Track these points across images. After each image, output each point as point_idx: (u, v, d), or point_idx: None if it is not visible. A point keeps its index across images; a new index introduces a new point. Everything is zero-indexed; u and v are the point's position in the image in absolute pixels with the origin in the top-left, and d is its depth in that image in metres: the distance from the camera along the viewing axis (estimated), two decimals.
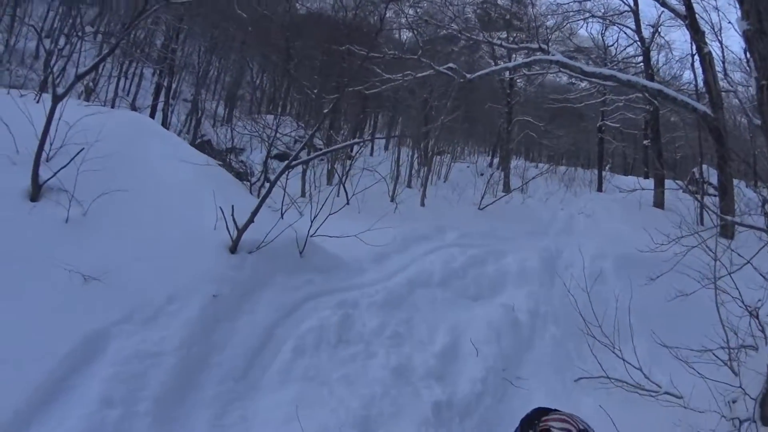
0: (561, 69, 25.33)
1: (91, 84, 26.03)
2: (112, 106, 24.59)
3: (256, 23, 33.78)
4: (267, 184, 14.89)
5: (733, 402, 7.53)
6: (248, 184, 16.71)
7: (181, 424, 7.22)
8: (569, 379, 10.35)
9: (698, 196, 20.95)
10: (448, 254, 13.29)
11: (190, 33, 34.86)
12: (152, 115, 29.08)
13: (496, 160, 39.80)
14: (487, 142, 48.10)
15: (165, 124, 28.75)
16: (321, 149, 11.89)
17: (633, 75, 28.68)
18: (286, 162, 11.30)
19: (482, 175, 29.10)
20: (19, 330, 7.46)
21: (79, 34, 26.11)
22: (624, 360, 9.83)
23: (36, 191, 9.48)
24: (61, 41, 28.34)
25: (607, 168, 40.13)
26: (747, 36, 6.62)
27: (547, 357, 10.89)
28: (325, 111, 12.78)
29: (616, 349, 10.13)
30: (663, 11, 27.51)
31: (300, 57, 35.19)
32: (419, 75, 21.07)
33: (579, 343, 11.04)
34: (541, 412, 3.55)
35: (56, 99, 9.59)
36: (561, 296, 12.64)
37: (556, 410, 3.53)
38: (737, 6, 6.89)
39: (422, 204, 18.63)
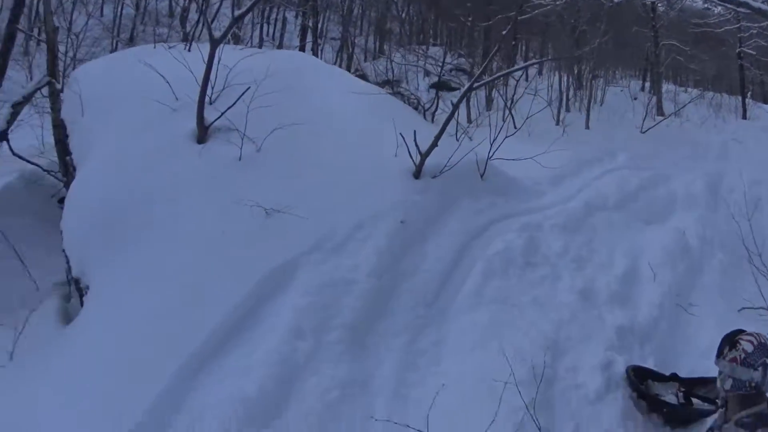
0: None
1: (237, 31, 26.21)
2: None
3: None
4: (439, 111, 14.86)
5: None
6: (421, 110, 16.58)
7: (372, 352, 7.39)
8: (734, 308, 10.09)
9: None
10: (621, 177, 13.23)
11: None
12: None
13: (647, 84, 38.88)
14: (636, 67, 47.02)
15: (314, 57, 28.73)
16: (477, 76, 11.61)
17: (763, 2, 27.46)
18: (468, 84, 11.22)
19: (636, 99, 28.45)
20: (206, 265, 7.71)
21: None
22: None
23: (203, 133, 9.61)
24: None
25: (748, 95, 38.68)
26: None
27: (715, 284, 10.71)
28: (504, 32, 12.45)
29: None
30: None
31: None
32: None
33: (742, 272, 10.84)
34: (737, 332, 3.96)
35: (215, 42, 9.71)
36: (725, 221, 12.53)
37: (749, 332, 3.93)
38: None
39: (587, 127, 18.27)
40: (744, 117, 30.85)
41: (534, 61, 24.91)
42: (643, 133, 19.21)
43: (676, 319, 9.34)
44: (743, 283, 10.61)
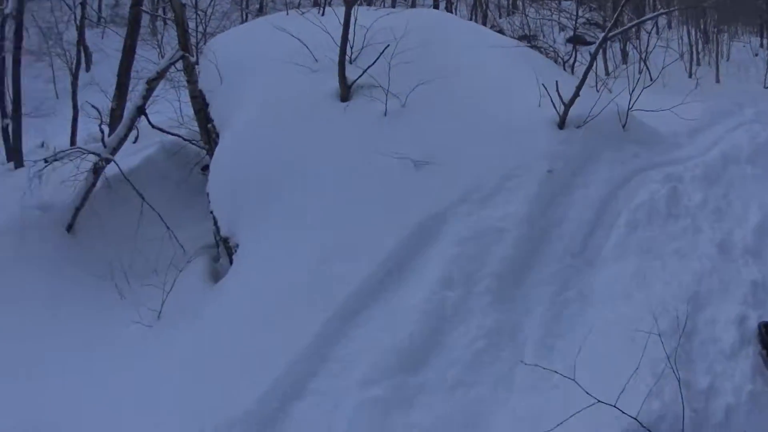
0: None
1: None
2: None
3: None
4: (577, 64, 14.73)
5: None
6: (560, 62, 16.49)
7: (520, 302, 7.53)
8: None
9: None
10: (752, 130, 12.70)
11: None
12: None
13: (765, 41, 37.91)
14: (754, 23, 45.84)
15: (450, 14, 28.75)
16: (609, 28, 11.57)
17: None
18: (603, 35, 11.09)
19: (757, 55, 27.85)
20: (354, 218, 7.91)
21: None
22: None
23: (345, 91, 9.74)
24: None
25: None
26: None
27: None
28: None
29: None
30: None
31: None
32: None
33: None
34: None
35: (350, 3, 9.72)
36: None
37: None
38: None
39: (717, 80, 17.93)
40: None
41: (661, 12, 24.37)
42: (766, 88, 18.81)
43: None
44: None
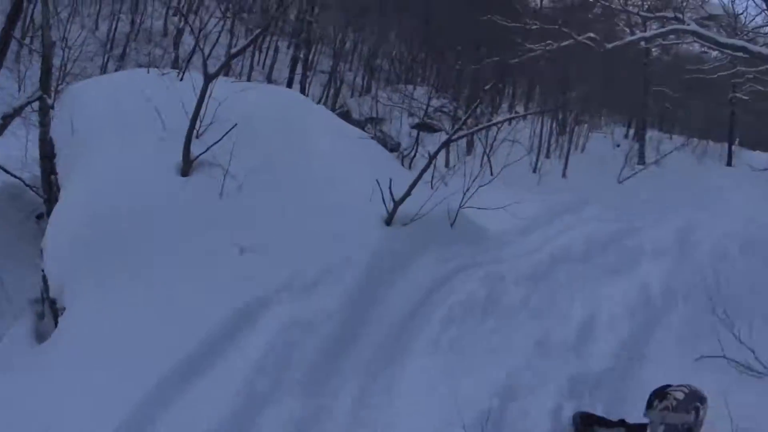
0: (696, 39, 24.50)
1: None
2: (248, 80, 25.02)
3: None
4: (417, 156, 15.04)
5: None
6: (398, 155, 16.82)
7: (331, 391, 7.65)
8: (693, 357, 10.26)
9: None
10: (590, 228, 13.27)
11: (324, 5, 34.88)
12: (289, 87, 29.22)
13: (631, 131, 39.18)
14: (622, 113, 47.25)
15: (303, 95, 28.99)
16: (461, 119, 11.86)
17: (763, 45, 27.68)
18: (447, 138, 11.42)
19: (619, 146, 28.79)
20: (179, 297, 8.06)
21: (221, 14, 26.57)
22: (740, 341, 9.84)
23: (187, 166, 9.88)
24: (190, 19, 28.86)
25: (736, 142, 38.89)
26: None
27: (672, 334, 10.86)
28: (486, 87, 12.80)
29: (735, 329, 10.09)
30: None
31: (438, 25, 34.74)
32: (561, 45, 20.75)
33: (704, 323, 10.93)
34: (665, 387, 4.55)
35: (209, 78, 10.00)
36: (692, 273, 12.55)
37: (680, 385, 4.44)
38: None
39: (564, 176, 18.53)
40: (729, 164, 31.16)
41: (514, 115, 25.03)
42: (620, 183, 19.48)
43: (629, 368, 9.56)
44: (704, 334, 10.72)
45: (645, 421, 7.78)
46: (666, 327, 11.02)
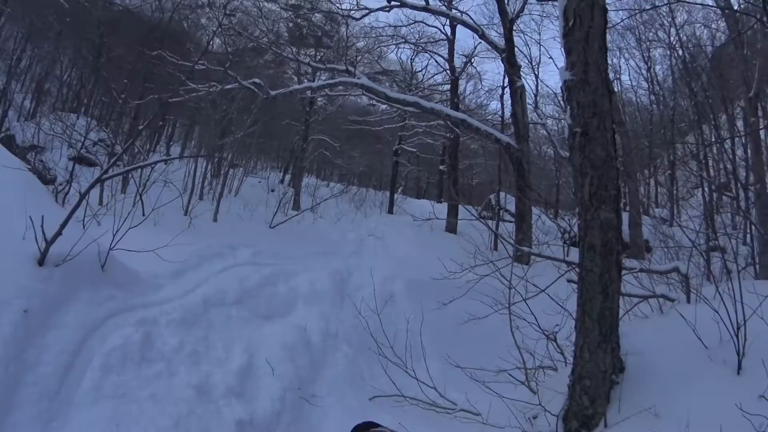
0: (365, 92, 25.50)
1: None
2: None
3: (74, 14, 32.49)
4: (72, 191, 14.35)
5: (534, 418, 7.86)
6: (53, 189, 15.99)
7: None
8: (364, 397, 10.65)
9: (492, 225, 21.81)
10: (242, 273, 13.29)
11: (10, 16, 32.64)
12: None
13: (287, 177, 39.96)
14: (280, 158, 48.19)
15: None
16: (118, 154, 11.41)
17: (438, 102, 29.33)
18: (98, 176, 10.91)
19: (273, 191, 29.25)
20: None
21: None
22: (417, 379, 10.34)
23: None
24: None
25: (399, 191, 40.86)
26: (568, 86, 6.94)
27: (341, 376, 11.14)
28: (140, 128, 12.43)
29: (409, 369, 10.64)
30: (480, 42, 28.20)
31: (111, 56, 33.85)
32: (225, 87, 20.82)
33: (372, 363, 11.45)
34: (370, 424, 4.09)
35: None
36: (352, 317, 13.02)
37: (382, 426, 4.08)
38: (560, 45, 7.25)
39: (215, 219, 18.43)
40: (390, 212, 32.53)
41: (169, 157, 24.89)
42: (272, 228, 19.74)
43: (299, 411, 9.63)
44: (374, 373, 11.23)
45: None
46: (333, 368, 11.30)
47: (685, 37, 29.15)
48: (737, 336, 6.37)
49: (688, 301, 8.86)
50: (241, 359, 10.12)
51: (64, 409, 7.62)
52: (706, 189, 26.04)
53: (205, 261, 13.26)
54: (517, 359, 9.74)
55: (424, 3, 25.63)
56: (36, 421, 7.27)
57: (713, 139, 26.09)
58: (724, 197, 26.00)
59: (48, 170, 19.93)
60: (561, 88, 7.76)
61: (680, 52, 29.47)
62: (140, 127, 12.35)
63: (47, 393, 7.65)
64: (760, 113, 20.79)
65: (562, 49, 7.12)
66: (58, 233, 9.02)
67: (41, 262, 8.98)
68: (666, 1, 19.83)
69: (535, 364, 9.74)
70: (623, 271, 7.45)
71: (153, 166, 17.94)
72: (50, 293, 8.82)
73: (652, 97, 36.70)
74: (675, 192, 32.23)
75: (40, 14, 33.01)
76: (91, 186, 10.45)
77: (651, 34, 33.06)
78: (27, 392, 7.48)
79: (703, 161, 28.40)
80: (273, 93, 21.05)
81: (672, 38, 30.40)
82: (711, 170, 28.50)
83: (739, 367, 6.33)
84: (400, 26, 31.92)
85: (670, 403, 6.28)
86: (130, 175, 18.35)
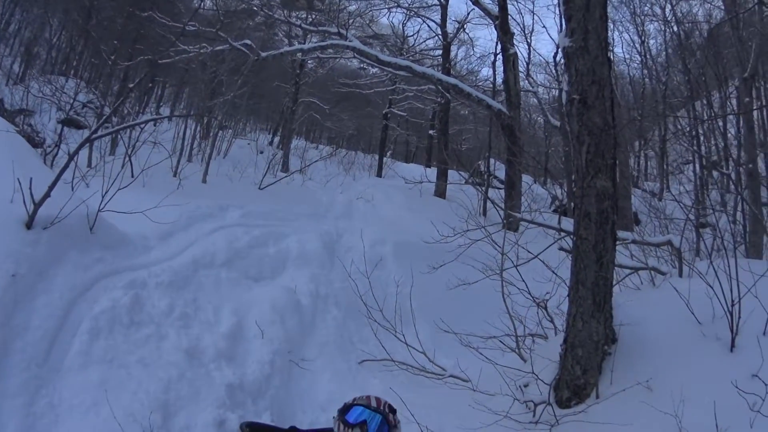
0: (356, 55, 25.30)
1: None
2: None
3: None
4: (61, 153, 14.14)
5: (525, 386, 7.87)
6: (41, 151, 15.79)
7: None
8: (354, 361, 10.64)
9: (482, 189, 21.75)
10: (232, 234, 13.10)
11: None
12: None
13: (276, 139, 39.78)
14: (269, 120, 47.95)
15: None
16: (95, 128, 11.17)
17: (429, 67, 29.09)
18: (87, 136, 10.74)
19: (262, 152, 29.10)
20: None
21: None
22: (407, 344, 10.35)
23: None
24: None
25: (388, 154, 40.74)
26: (567, 53, 6.87)
27: (330, 339, 11.05)
28: (131, 85, 12.20)
29: (398, 333, 10.64)
30: (473, 9, 28.02)
31: (100, 18, 33.48)
32: (215, 49, 20.58)
33: (361, 327, 11.44)
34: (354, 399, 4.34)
35: None
36: (342, 279, 12.96)
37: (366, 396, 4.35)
38: (555, 12, 7.17)
39: (204, 181, 18.26)
40: (379, 175, 32.39)
41: (158, 116, 24.66)
42: (262, 189, 19.59)
43: (289, 374, 9.56)
44: (363, 337, 11.22)
45: (317, 427, 7.83)
46: (322, 331, 11.21)
47: (680, 14, 29.06)
48: (731, 313, 6.35)
49: (680, 275, 8.84)
50: (230, 322, 9.99)
51: (52, 375, 7.50)
52: (698, 165, 26.07)
53: (195, 222, 13.07)
54: (507, 326, 9.71)
55: None
56: (25, 389, 7.16)
57: (705, 117, 26.05)
58: (714, 174, 25.96)
59: (36, 133, 19.75)
60: (553, 56, 7.67)
61: (675, 28, 29.36)
62: (130, 86, 12.09)
63: (35, 359, 7.52)
64: (754, 93, 20.66)
65: (560, 18, 7.07)
66: (47, 195, 8.83)
67: (29, 225, 8.77)
68: None
69: (525, 331, 9.72)
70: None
71: (142, 126, 17.75)
72: (38, 257, 8.63)
73: (645, 71, 36.52)
74: (666, 166, 32.22)
75: None
76: (80, 147, 10.27)
77: (646, 8, 32.89)
78: (16, 358, 7.36)
79: (695, 138, 28.33)
80: (264, 54, 20.81)
81: (667, 13, 30.26)
82: (702, 147, 28.41)
83: (733, 345, 6.32)
84: None
85: (664, 377, 6.31)
86: (119, 137, 18.17)
